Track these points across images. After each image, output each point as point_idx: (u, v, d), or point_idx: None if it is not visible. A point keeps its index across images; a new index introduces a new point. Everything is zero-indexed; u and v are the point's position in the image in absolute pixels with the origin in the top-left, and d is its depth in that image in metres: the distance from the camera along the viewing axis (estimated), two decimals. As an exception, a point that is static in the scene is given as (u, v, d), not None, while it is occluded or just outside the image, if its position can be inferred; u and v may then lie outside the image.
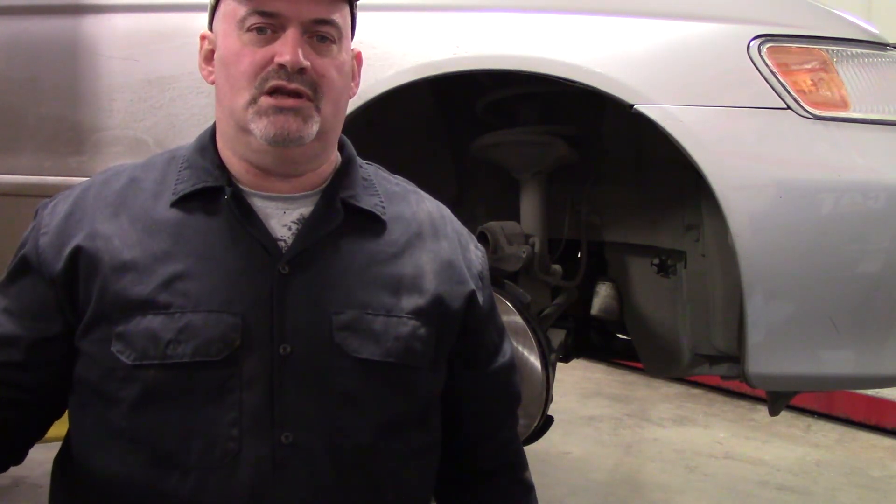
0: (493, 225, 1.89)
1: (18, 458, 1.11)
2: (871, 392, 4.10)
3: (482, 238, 1.87)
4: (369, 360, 1.05)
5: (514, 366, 1.27)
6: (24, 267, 1.07)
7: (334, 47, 1.07)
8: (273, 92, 1.03)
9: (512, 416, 1.29)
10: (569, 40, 1.66)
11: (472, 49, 1.67)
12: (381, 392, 1.07)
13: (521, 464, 1.28)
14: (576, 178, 2.09)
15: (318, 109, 1.05)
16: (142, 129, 1.78)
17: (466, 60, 1.67)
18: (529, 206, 2.00)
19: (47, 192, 1.78)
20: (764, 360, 1.62)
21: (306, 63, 1.03)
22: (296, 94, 1.03)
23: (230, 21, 1.06)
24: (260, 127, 1.03)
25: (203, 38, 1.14)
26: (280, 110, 1.03)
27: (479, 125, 2.07)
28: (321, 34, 1.05)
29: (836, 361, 1.66)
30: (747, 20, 1.65)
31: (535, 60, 1.65)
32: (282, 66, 1.02)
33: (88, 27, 1.83)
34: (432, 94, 2.05)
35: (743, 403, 4.52)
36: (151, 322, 1.00)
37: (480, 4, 1.73)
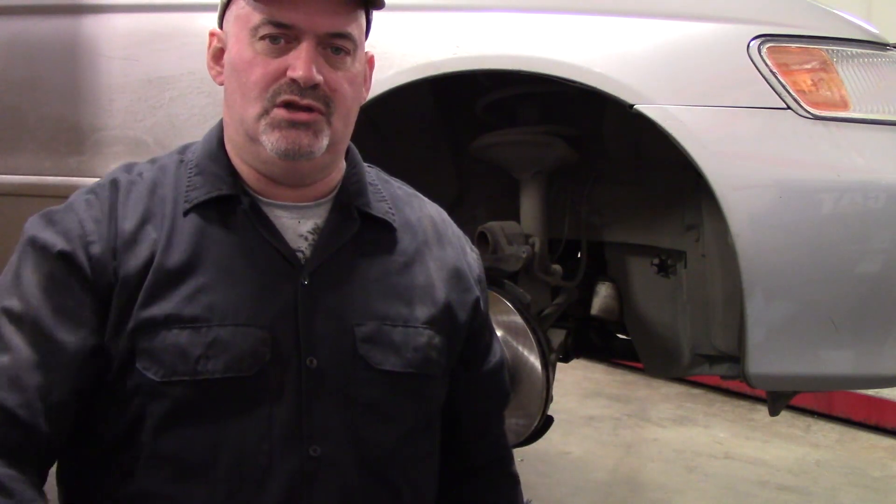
0: (493, 225, 1.89)
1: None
2: (871, 392, 4.09)
3: (482, 238, 1.87)
4: (392, 371, 1.06)
5: (505, 364, 1.29)
6: (67, 270, 0.99)
7: (349, 59, 1.05)
8: (285, 105, 1.01)
9: (502, 412, 1.31)
10: (569, 40, 1.66)
11: (472, 49, 1.67)
12: (402, 402, 1.08)
13: (509, 458, 1.31)
14: (576, 178, 2.09)
15: (328, 123, 1.03)
16: (142, 129, 1.78)
17: (466, 60, 1.67)
18: (529, 206, 2.00)
19: (47, 192, 1.79)
20: (764, 360, 1.62)
21: (319, 79, 1.00)
22: (308, 109, 1.01)
23: (242, 25, 1.03)
24: (271, 140, 1.01)
25: (212, 35, 1.10)
26: (293, 124, 1.01)
27: (479, 125, 2.07)
28: (336, 47, 1.03)
29: (836, 361, 1.65)
30: (747, 20, 1.65)
31: (535, 60, 1.65)
32: (294, 81, 1.00)
33: (88, 27, 1.83)
34: (432, 94, 2.05)
35: (743, 403, 4.51)
36: (178, 337, 0.98)
37: (480, 4, 1.73)
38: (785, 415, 4.15)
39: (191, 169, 1.08)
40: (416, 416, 1.10)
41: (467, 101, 2.05)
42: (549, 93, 1.87)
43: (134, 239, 1.02)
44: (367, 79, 1.15)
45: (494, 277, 1.79)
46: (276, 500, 0.99)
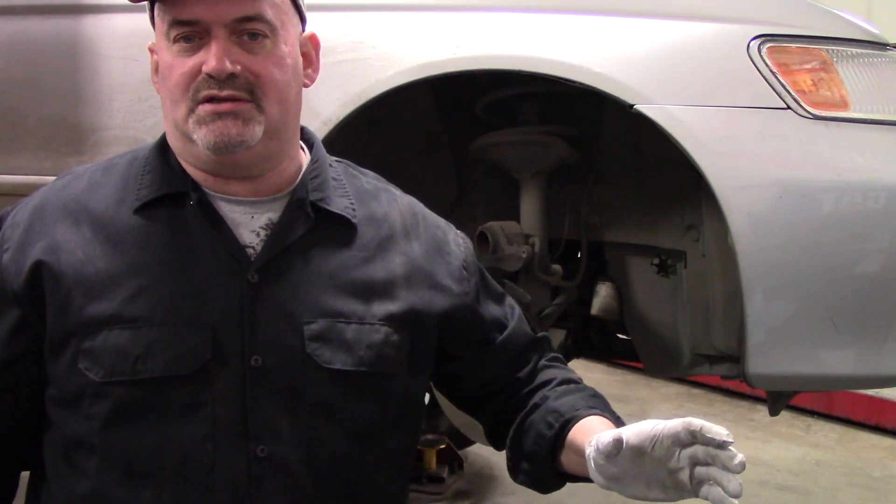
0: (493, 225, 1.89)
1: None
2: (871, 392, 4.09)
3: (482, 238, 1.87)
4: (342, 370, 1.04)
5: (522, 317, 1.26)
6: None
7: (268, 42, 1.02)
8: (208, 100, 1.00)
9: (538, 349, 1.26)
10: (569, 40, 1.66)
11: (472, 49, 1.67)
12: (355, 401, 1.05)
13: (565, 369, 1.28)
14: (576, 178, 2.09)
15: (260, 109, 1.01)
16: (142, 129, 1.78)
17: (466, 60, 1.67)
18: (529, 206, 2.00)
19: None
20: (764, 360, 1.62)
21: (234, 68, 0.99)
22: (231, 100, 1.00)
23: (160, 34, 1.04)
24: (201, 136, 1.00)
25: (151, 51, 1.11)
26: (218, 116, 1.00)
27: (479, 125, 2.07)
28: (251, 31, 1.01)
29: (836, 361, 1.66)
30: (747, 20, 1.65)
31: (535, 60, 1.65)
32: (210, 76, 0.99)
33: (88, 27, 1.83)
34: (432, 94, 2.05)
35: (743, 403, 4.51)
36: (119, 337, 0.98)
37: (480, 4, 1.73)
38: (785, 415, 4.15)
39: (143, 168, 1.08)
40: (376, 415, 1.07)
41: (467, 101, 2.05)
42: (549, 93, 1.87)
43: (64, 240, 1.02)
44: (313, 60, 1.13)
45: (494, 277, 1.78)
46: (223, 502, 0.99)
